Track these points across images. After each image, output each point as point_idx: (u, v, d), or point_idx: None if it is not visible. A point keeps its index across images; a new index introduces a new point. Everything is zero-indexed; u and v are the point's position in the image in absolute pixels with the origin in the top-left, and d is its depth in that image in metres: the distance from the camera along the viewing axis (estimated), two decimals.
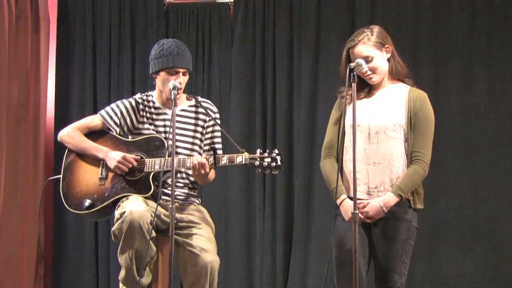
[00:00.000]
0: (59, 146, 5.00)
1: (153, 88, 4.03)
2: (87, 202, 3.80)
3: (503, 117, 5.20)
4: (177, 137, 3.84)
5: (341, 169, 3.54)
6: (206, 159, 3.66)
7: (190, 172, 3.83)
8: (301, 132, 5.45)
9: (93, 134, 3.94)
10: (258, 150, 3.64)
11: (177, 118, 3.89)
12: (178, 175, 3.89)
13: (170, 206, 3.33)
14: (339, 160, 3.56)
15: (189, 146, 3.91)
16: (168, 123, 3.90)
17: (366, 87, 3.60)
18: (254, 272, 5.51)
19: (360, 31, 3.59)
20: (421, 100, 3.52)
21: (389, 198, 3.42)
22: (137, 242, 3.54)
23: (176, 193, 3.84)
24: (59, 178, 3.92)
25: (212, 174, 3.88)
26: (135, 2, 5.81)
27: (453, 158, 5.22)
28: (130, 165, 3.77)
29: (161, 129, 3.92)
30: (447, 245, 5.18)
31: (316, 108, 5.44)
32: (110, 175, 3.83)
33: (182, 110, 3.96)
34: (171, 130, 3.57)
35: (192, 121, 3.95)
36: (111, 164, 3.79)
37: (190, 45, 5.11)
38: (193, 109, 3.98)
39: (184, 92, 4.01)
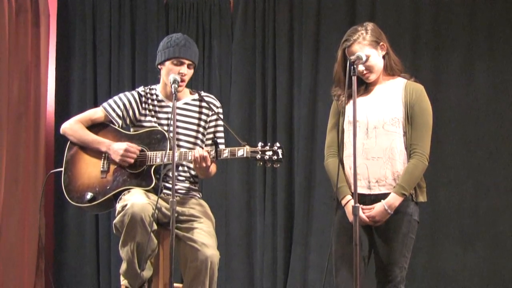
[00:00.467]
0: (59, 141, 5.01)
1: (153, 83, 4.04)
2: (89, 195, 3.80)
3: (503, 110, 5.19)
4: (180, 131, 3.86)
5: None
6: (208, 152, 3.66)
7: (191, 165, 3.84)
8: (302, 126, 5.44)
9: (95, 127, 3.94)
10: (260, 143, 3.64)
11: (180, 112, 3.90)
12: (180, 168, 3.89)
13: (171, 199, 3.33)
14: (339, 156, 3.57)
15: (192, 139, 3.92)
16: (171, 115, 3.90)
17: (362, 85, 3.60)
18: (255, 266, 5.52)
19: (354, 30, 3.57)
20: (417, 93, 3.53)
21: (393, 200, 3.42)
22: (139, 235, 3.54)
23: (177, 186, 3.85)
24: (61, 171, 3.93)
25: (213, 168, 3.88)
26: None
27: (453, 152, 5.22)
28: (135, 156, 3.77)
29: (164, 121, 3.92)
30: (448, 239, 5.19)
31: (317, 102, 5.43)
32: (112, 168, 3.83)
33: (185, 103, 3.96)
34: (172, 123, 3.57)
35: (195, 115, 3.96)
36: (115, 157, 3.79)
37: None
38: (197, 103, 3.98)
39: (186, 86, 4.01)
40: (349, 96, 3.46)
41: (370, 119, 3.50)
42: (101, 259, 5.69)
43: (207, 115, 3.98)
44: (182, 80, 3.80)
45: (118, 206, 3.65)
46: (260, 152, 3.61)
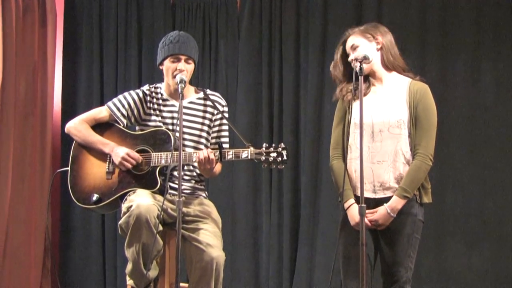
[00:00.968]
0: (66, 140, 5.02)
1: (160, 82, 4.04)
2: (95, 197, 3.81)
3: (510, 110, 5.17)
4: (184, 130, 3.84)
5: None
6: (213, 154, 3.66)
7: (196, 164, 3.83)
8: (308, 126, 5.44)
9: (99, 126, 3.95)
10: (264, 145, 3.63)
11: (185, 111, 3.89)
12: (185, 168, 3.89)
13: (177, 199, 3.32)
14: (344, 159, 3.57)
15: (195, 138, 3.91)
16: (175, 114, 3.90)
17: (365, 83, 3.58)
18: (261, 267, 5.52)
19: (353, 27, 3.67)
20: (421, 93, 3.51)
21: (396, 203, 3.41)
22: (144, 236, 3.54)
23: (182, 187, 3.84)
24: (67, 170, 3.93)
25: (218, 168, 3.88)
26: None
27: (459, 152, 5.20)
28: (135, 162, 3.77)
29: (169, 120, 3.92)
30: (454, 239, 5.17)
31: (323, 102, 5.42)
32: (117, 169, 3.83)
33: (190, 102, 3.95)
34: (178, 123, 3.56)
35: (200, 113, 3.95)
36: (116, 160, 3.79)
37: (196, 39, 5.06)
38: (201, 101, 3.98)
39: (191, 85, 4.00)
40: (355, 96, 3.46)
41: (375, 121, 3.49)
42: (107, 258, 5.71)
43: (212, 114, 3.97)
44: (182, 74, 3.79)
45: (124, 207, 3.65)
46: (264, 154, 3.60)
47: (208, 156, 3.64)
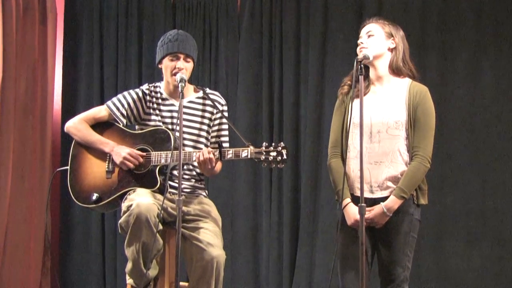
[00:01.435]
0: (66, 138, 5.02)
1: (160, 81, 4.03)
2: (95, 196, 3.80)
3: (510, 111, 5.17)
4: (183, 129, 3.83)
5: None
6: (213, 154, 3.66)
7: (196, 164, 3.83)
8: (308, 125, 5.44)
9: (99, 125, 3.94)
10: (264, 144, 3.63)
11: (184, 110, 3.87)
12: (185, 167, 3.88)
13: (177, 198, 3.32)
14: (343, 158, 3.56)
15: (194, 138, 3.91)
16: (175, 114, 3.90)
17: (364, 81, 3.57)
18: (261, 265, 5.52)
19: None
20: (421, 95, 3.51)
21: (392, 203, 3.41)
22: (144, 235, 3.54)
23: (182, 186, 3.84)
24: (67, 169, 3.93)
25: (218, 166, 3.87)
26: None
27: (460, 151, 5.21)
28: (137, 162, 3.77)
29: (168, 120, 3.91)
30: (454, 239, 5.17)
31: (323, 101, 5.42)
32: (117, 168, 3.82)
33: (190, 101, 3.95)
34: (178, 122, 3.56)
35: (199, 113, 3.94)
36: (117, 159, 3.78)
37: (197, 38, 5.10)
38: (201, 101, 3.97)
39: (191, 83, 4.00)
40: (355, 95, 3.46)
41: (374, 122, 3.49)
42: (107, 257, 5.71)
43: (212, 113, 3.97)
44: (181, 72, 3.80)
45: (124, 206, 3.65)
46: (264, 153, 3.60)
47: (208, 156, 3.64)
